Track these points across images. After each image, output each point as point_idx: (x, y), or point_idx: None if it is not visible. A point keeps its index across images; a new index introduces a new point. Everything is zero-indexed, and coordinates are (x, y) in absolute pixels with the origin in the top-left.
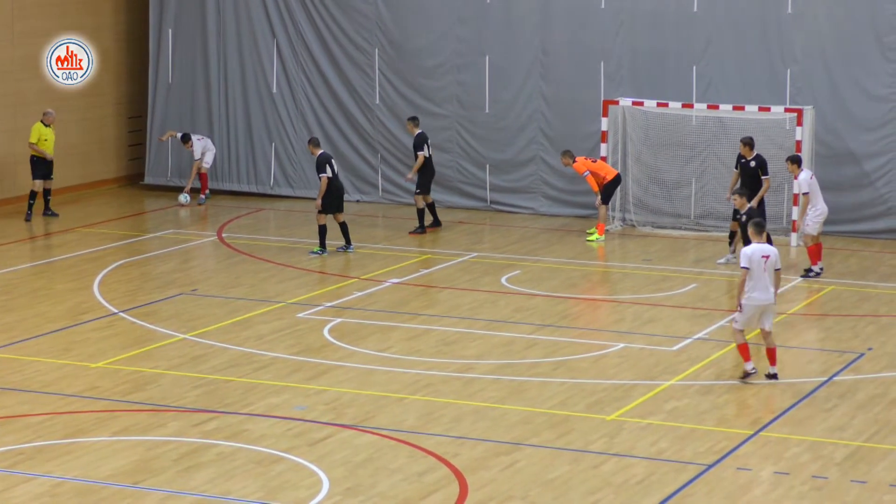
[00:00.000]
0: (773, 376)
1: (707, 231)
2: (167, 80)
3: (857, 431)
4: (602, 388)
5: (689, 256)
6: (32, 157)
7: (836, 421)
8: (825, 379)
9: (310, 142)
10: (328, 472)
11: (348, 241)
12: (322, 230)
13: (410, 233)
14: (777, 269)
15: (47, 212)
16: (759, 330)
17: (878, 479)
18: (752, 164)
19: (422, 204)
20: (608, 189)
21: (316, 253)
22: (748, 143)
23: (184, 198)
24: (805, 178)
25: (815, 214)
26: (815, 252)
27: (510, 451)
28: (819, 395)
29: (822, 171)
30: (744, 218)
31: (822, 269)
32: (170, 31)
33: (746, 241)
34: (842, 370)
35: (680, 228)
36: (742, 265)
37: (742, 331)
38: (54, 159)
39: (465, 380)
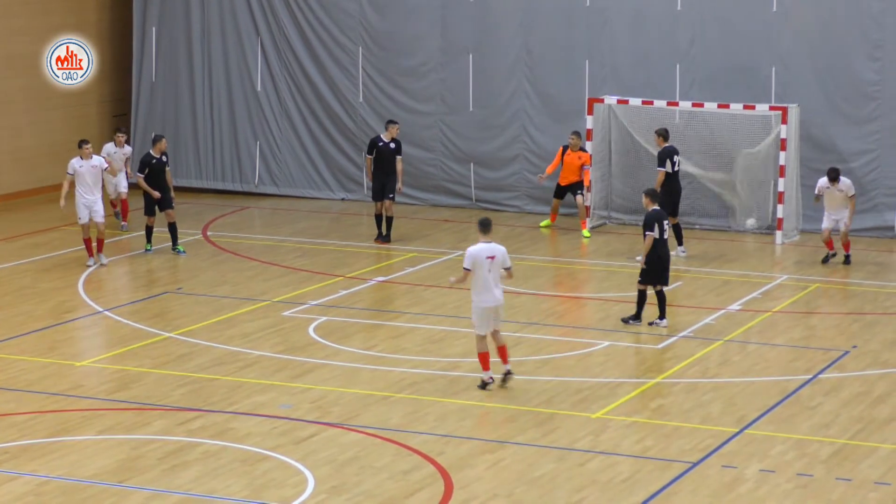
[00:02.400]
0: (509, 374)
1: (692, 228)
2: (151, 78)
3: (842, 429)
4: (587, 385)
5: (674, 254)
6: None
7: (821, 419)
8: (810, 377)
9: (163, 139)
10: (313, 471)
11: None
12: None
13: (378, 240)
14: (507, 268)
15: None
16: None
17: (863, 476)
18: (656, 154)
19: (393, 211)
20: (574, 188)
21: (150, 251)
22: (660, 133)
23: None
24: (850, 183)
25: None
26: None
27: (495, 449)
28: (804, 393)
29: (808, 169)
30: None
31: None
32: (154, 29)
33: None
34: (826, 368)
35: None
36: (465, 266)
37: (484, 336)
38: (40, 158)
39: (451, 378)
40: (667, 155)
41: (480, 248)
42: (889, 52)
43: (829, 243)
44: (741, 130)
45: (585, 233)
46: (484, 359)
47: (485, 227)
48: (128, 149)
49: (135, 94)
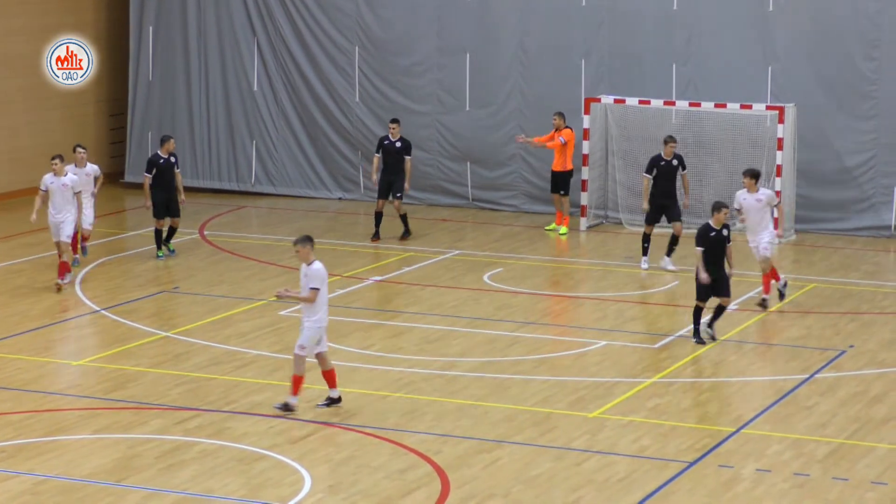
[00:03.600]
0: (337, 400)
1: (689, 228)
2: (148, 77)
3: (839, 429)
4: (584, 385)
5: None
6: None
7: (818, 418)
8: (806, 376)
9: (171, 139)
10: (310, 470)
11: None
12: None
13: (373, 238)
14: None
15: None
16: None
17: (859, 476)
18: (674, 162)
19: (402, 210)
20: (565, 179)
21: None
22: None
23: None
24: (771, 193)
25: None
26: (772, 275)
27: (492, 448)
28: (800, 393)
29: (804, 168)
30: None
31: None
32: (150, 28)
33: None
34: (823, 367)
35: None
36: (316, 286)
37: (304, 357)
38: (37, 158)
39: (448, 377)
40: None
41: (323, 267)
42: (885, 52)
43: (768, 279)
44: (739, 129)
45: (563, 230)
46: (299, 382)
47: (313, 243)
48: (91, 168)
49: (131, 94)
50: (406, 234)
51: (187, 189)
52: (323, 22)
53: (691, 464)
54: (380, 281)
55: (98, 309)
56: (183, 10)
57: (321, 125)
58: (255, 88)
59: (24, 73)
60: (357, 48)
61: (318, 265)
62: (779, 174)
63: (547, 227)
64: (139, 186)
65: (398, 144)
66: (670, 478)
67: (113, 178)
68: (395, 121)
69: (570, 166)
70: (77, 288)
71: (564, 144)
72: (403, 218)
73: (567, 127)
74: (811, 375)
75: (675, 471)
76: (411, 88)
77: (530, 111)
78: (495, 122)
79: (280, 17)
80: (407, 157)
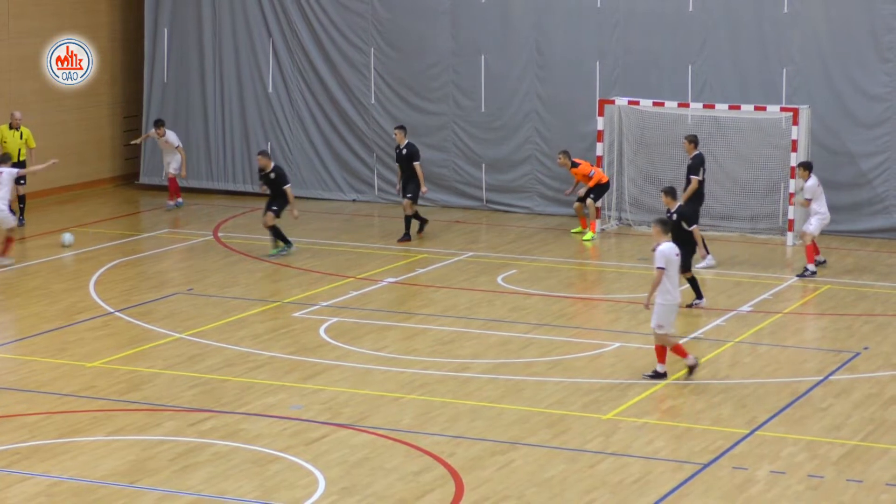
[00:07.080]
0: (662, 375)
1: (702, 230)
2: (163, 79)
3: (853, 431)
4: (598, 387)
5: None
6: None
7: (832, 420)
8: (821, 378)
9: (263, 153)
10: (324, 472)
11: (287, 241)
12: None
13: (399, 241)
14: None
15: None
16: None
17: (874, 478)
18: (689, 162)
19: (410, 210)
20: (599, 191)
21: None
22: (691, 140)
23: (68, 238)
24: (812, 186)
25: (821, 217)
26: (812, 250)
27: (506, 450)
28: (815, 395)
29: (819, 170)
30: (675, 216)
31: (818, 265)
32: (165, 30)
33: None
34: (838, 369)
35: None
36: (658, 265)
37: (664, 336)
38: (45, 161)
39: (462, 379)
40: (700, 163)
41: (670, 247)
42: None
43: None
44: (754, 132)
45: (575, 231)
46: (680, 349)
47: (664, 225)
48: (171, 134)
49: (146, 96)
50: (404, 237)
51: (202, 191)
52: (339, 23)
53: (705, 465)
54: (394, 282)
55: (112, 310)
56: (198, 11)
57: (337, 127)
58: (270, 90)
59: (39, 75)
60: (373, 49)
61: (660, 248)
62: (793, 175)
63: (573, 231)
64: (154, 188)
65: (404, 151)
66: (684, 480)
67: (128, 179)
68: (397, 127)
69: (602, 181)
70: (91, 289)
71: (591, 176)
72: (406, 219)
73: (571, 164)
74: (826, 377)
75: (689, 473)
76: (427, 90)
77: (545, 113)
78: (511, 124)
79: (296, 19)
80: (415, 163)
